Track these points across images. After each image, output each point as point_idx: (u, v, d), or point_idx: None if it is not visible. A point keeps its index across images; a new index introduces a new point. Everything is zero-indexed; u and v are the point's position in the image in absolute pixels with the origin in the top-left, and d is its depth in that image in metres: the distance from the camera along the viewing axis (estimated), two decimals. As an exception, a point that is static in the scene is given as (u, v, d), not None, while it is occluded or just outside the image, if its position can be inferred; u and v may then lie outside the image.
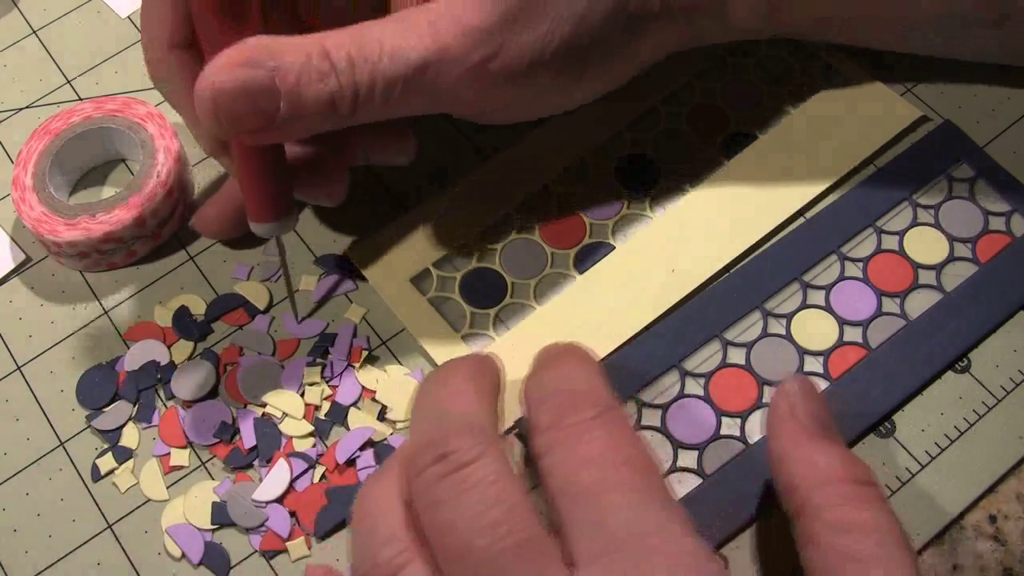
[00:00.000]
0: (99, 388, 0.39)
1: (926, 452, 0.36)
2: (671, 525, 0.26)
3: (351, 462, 0.37)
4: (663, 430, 0.37)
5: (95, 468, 0.38)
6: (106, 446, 0.38)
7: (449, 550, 0.26)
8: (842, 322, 0.38)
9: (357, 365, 0.39)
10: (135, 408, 0.39)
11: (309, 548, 0.36)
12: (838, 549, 0.27)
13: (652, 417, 0.37)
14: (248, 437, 0.38)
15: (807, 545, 0.29)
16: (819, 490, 0.29)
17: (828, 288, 0.39)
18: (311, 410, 0.38)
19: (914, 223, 0.40)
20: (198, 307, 0.41)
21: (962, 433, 0.36)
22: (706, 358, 0.38)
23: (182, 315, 0.40)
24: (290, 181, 0.36)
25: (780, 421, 0.31)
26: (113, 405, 0.39)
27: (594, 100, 0.39)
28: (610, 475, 0.26)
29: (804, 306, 0.39)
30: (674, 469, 0.36)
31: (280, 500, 0.36)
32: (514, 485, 0.26)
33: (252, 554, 0.36)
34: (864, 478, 0.29)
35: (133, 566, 0.36)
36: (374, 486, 0.29)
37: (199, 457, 0.38)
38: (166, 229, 0.42)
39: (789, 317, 0.39)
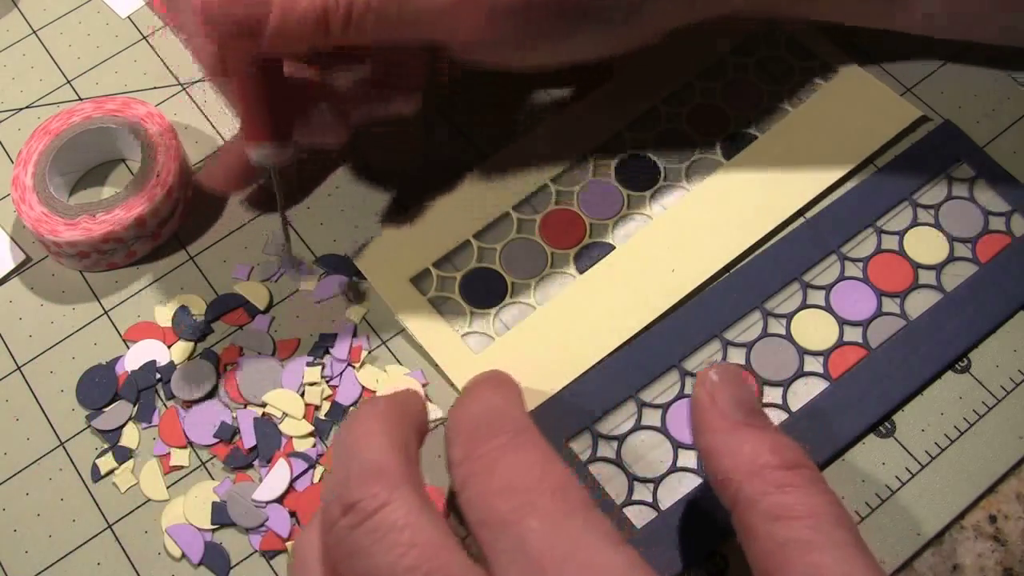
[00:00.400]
0: (99, 388, 0.39)
1: (926, 452, 0.36)
2: (592, 541, 0.25)
3: (351, 462, 0.37)
4: (663, 430, 0.37)
5: (95, 468, 0.38)
6: (106, 446, 0.38)
7: None
8: (842, 322, 0.38)
9: (357, 365, 0.39)
10: (135, 408, 0.39)
11: (309, 548, 0.36)
12: (775, 538, 0.27)
13: (652, 417, 0.37)
14: (248, 437, 0.38)
15: (746, 537, 0.28)
16: (749, 480, 0.28)
17: (828, 288, 0.39)
18: (311, 410, 0.38)
19: (914, 223, 0.40)
20: (198, 307, 0.41)
21: (962, 433, 0.36)
22: (706, 358, 0.38)
23: (182, 315, 0.40)
24: (289, 109, 0.36)
25: (702, 413, 0.30)
26: (113, 405, 0.39)
27: (580, 65, 0.38)
28: (525, 501, 0.26)
29: (804, 306, 0.39)
30: (674, 469, 0.36)
31: (280, 500, 0.36)
32: (429, 524, 0.26)
33: (252, 554, 0.36)
34: (793, 461, 0.28)
35: (133, 566, 0.36)
36: (303, 540, 0.29)
37: (199, 457, 0.38)
38: (166, 229, 0.42)
39: (789, 317, 0.39)
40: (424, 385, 0.38)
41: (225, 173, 0.40)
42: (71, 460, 0.38)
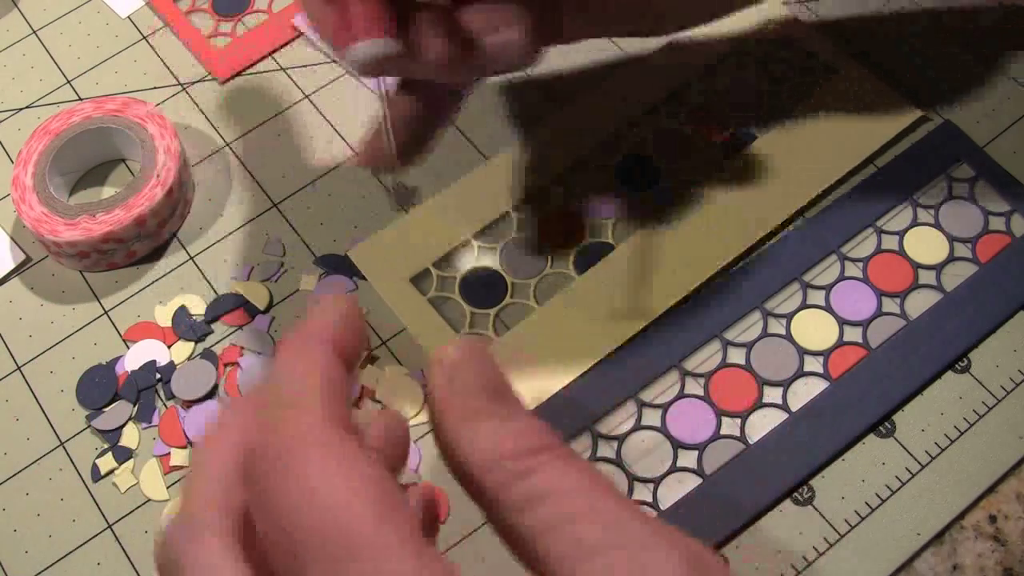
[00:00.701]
0: (99, 388, 0.39)
1: (926, 452, 0.36)
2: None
3: (351, 462, 0.37)
4: (663, 430, 0.37)
5: (95, 468, 0.38)
6: (106, 446, 0.38)
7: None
8: (842, 322, 0.38)
9: (357, 365, 0.39)
10: (135, 408, 0.39)
11: (309, 548, 0.36)
12: (532, 528, 0.23)
13: (652, 417, 0.37)
14: (248, 437, 0.38)
15: (507, 542, 0.24)
16: (488, 474, 0.24)
17: (828, 288, 0.39)
18: (311, 410, 0.38)
19: (914, 223, 0.40)
20: (198, 307, 0.41)
21: (962, 433, 0.36)
22: (706, 358, 0.38)
23: (182, 315, 0.40)
24: (391, 4, 0.29)
25: (439, 400, 0.25)
26: (113, 405, 0.39)
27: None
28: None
29: (804, 306, 0.39)
30: (674, 469, 0.36)
31: (280, 500, 0.36)
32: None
33: (252, 554, 0.36)
34: (538, 446, 0.25)
35: (133, 566, 0.36)
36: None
37: (199, 457, 0.38)
38: (166, 229, 0.42)
39: (789, 317, 0.39)
40: (424, 385, 0.38)
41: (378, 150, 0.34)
42: (71, 460, 0.38)
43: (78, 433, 0.39)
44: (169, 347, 0.40)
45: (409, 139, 0.33)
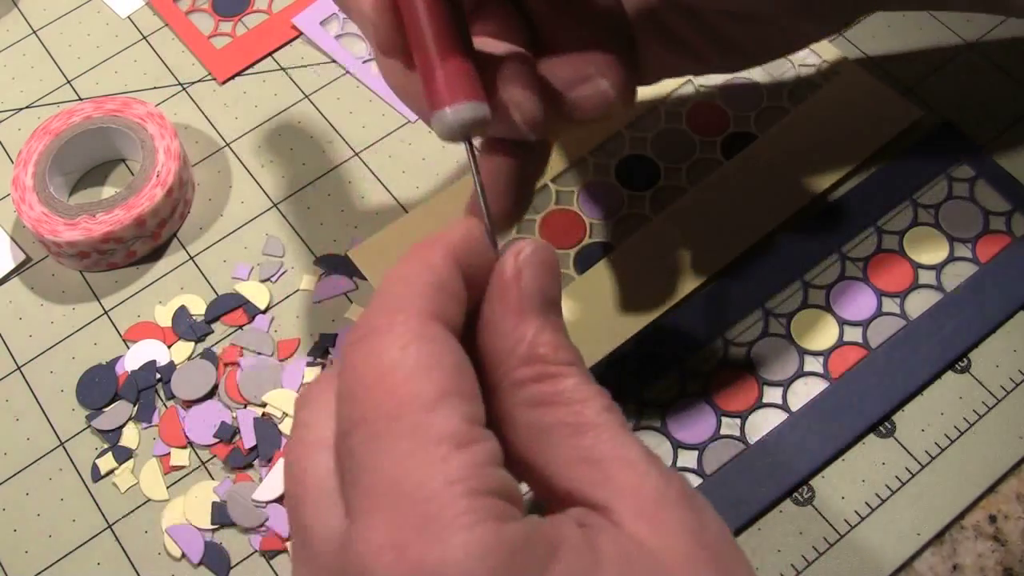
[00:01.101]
0: (99, 388, 0.39)
1: (926, 452, 0.36)
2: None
3: (351, 462, 0.37)
4: (663, 430, 0.37)
5: (95, 468, 0.38)
6: (106, 446, 0.38)
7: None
8: (842, 322, 0.38)
9: (357, 365, 0.39)
10: (135, 408, 0.39)
11: (309, 548, 0.36)
12: (539, 424, 0.25)
13: (652, 417, 0.37)
14: (248, 437, 0.38)
15: (502, 427, 0.25)
16: (519, 369, 0.26)
17: (828, 288, 0.39)
18: (311, 410, 0.38)
19: (914, 223, 0.40)
20: (198, 307, 0.41)
21: (962, 433, 0.36)
22: (706, 358, 0.38)
23: (182, 315, 0.40)
24: (475, 64, 0.28)
25: (501, 285, 0.26)
26: (113, 405, 0.39)
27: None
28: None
29: (804, 306, 0.39)
30: (674, 469, 0.36)
31: (280, 500, 0.36)
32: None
33: (252, 554, 0.36)
34: (568, 360, 0.26)
35: (133, 566, 0.36)
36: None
37: (199, 457, 0.38)
38: (166, 229, 0.42)
39: (789, 317, 0.39)
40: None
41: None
42: (71, 460, 0.38)
43: (78, 433, 0.39)
44: (169, 347, 0.40)
45: (510, 198, 0.32)
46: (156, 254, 0.42)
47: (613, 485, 0.24)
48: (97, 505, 0.37)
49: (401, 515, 0.21)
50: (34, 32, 0.49)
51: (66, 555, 0.36)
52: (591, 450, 0.24)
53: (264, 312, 0.40)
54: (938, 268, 0.39)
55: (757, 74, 0.44)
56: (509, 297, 0.26)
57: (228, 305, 0.41)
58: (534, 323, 0.26)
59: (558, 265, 0.27)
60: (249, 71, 0.47)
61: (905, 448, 0.36)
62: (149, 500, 0.37)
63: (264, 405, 0.38)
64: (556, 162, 0.42)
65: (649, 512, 0.23)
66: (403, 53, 0.28)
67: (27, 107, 0.47)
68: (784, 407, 0.37)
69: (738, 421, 0.37)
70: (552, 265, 0.27)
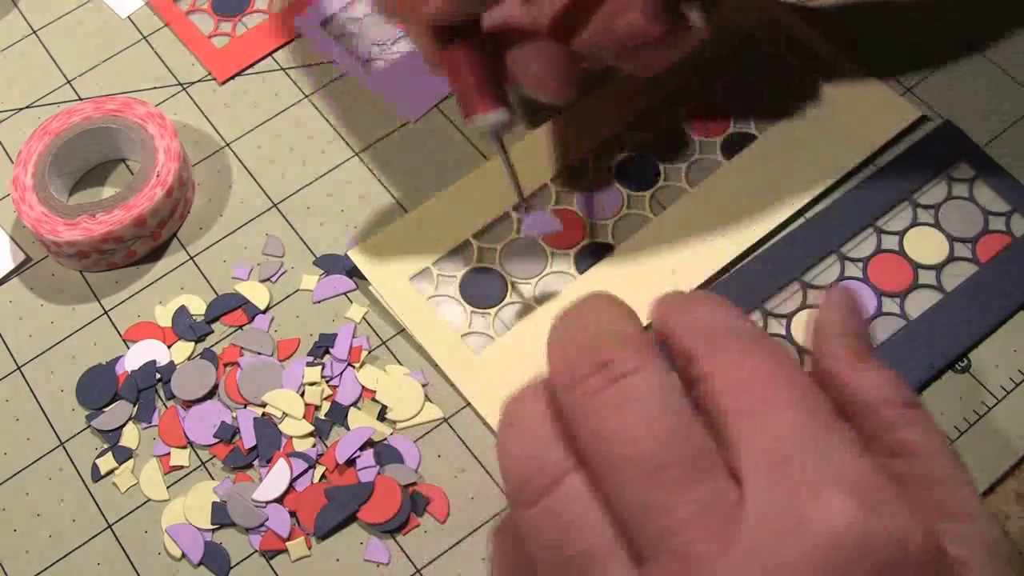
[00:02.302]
0: (99, 388, 0.39)
1: (926, 452, 0.36)
2: (839, 439, 0.25)
3: (351, 462, 0.37)
4: (663, 430, 0.37)
5: (95, 468, 0.38)
6: (106, 446, 0.38)
7: (613, 459, 0.25)
8: (842, 322, 0.38)
9: (357, 365, 0.39)
10: (135, 408, 0.39)
11: (309, 548, 0.36)
12: (896, 474, 0.26)
13: (652, 417, 0.37)
14: (248, 437, 0.38)
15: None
16: (873, 416, 0.28)
17: (828, 288, 0.39)
18: (311, 410, 0.38)
19: (914, 223, 0.40)
20: (198, 307, 0.41)
21: (962, 433, 0.36)
22: (706, 358, 0.38)
23: (182, 315, 0.40)
24: (500, 74, 0.35)
25: (827, 338, 0.29)
26: (113, 405, 0.39)
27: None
28: (773, 395, 0.26)
29: (804, 306, 0.39)
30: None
31: (280, 500, 0.36)
32: (679, 396, 0.25)
33: (252, 554, 0.36)
34: (912, 400, 0.28)
35: (133, 566, 0.36)
36: (519, 405, 0.29)
37: (199, 457, 0.38)
38: (166, 229, 0.42)
39: (789, 317, 0.39)
40: (424, 385, 0.38)
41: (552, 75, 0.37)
42: (71, 460, 0.38)
43: (78, 433, 0.39)
44: (169, 347, 0.40)
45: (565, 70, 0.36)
46: (156, 254, 0.42)
47: (973, 544, 0.25)
48: (97, 505, 0.37)
49: None
50: (34, 32, 0.49)
51: (66, 555, 0.36)
52: (941, 506, 0.26)
53: (264, 312, 0.40)
54: (938, 268, 0.39)
55: (757, 74, 0.44)
56: (839, 350, 0.29)
57: (228, 305, 0.41)
58: (871, 368, 0.28)
59: (860, 303, 0.30)
60: (249, 71, 0.47)
61: (905, 448, 0.36)
62: (149, 500, 0.37)
63: (264, 405, 0.38)
64: (556, 162, 0.42)
65: (990, 565, 0.25)
66: (442, 71, 0.36)
67: (27, 107, 0.47)
68: (784, 407, 0.37)
69: (738, 421, 0.37)
70: (859, 309, 0.30)
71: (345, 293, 0.41)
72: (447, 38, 0.35)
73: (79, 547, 0.37)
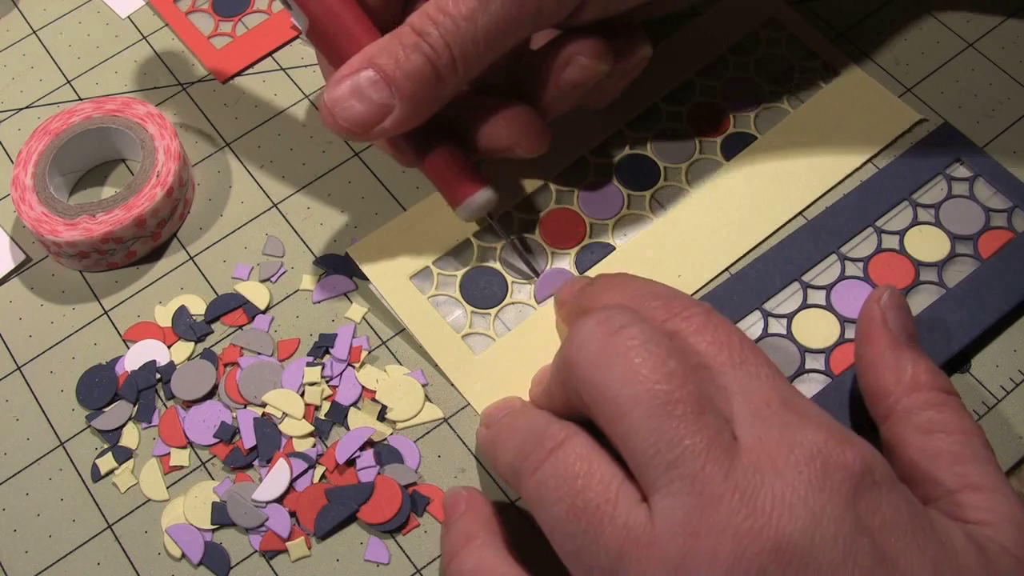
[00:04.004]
0: (99, 388, 0.39)
1: (926, 452, 0.36)
2: (799, 393, 0.29)
3: (351, 462, 0.37)
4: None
5: (95, 468, 0.38)
6: (106, 446, 0.38)
7: (623, 402, 0.27)
8: (843, 320, 0.38)
9: (357, 365, 0.39)
10: (135, 408, 0.39)
11: (309, 548, 0.36)
12: (927, 449, 0.30)
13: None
14: (248, 437, 0.38)
15: (896, 447, 0.31)
16: (908, 395, 0.31)
17: (828, 288, 0.39)
18: (311, 410, 0.38)
19: (914, 222, 0.40)
20: (198, 307, 0.41)
21: (962, 433, 0.36)
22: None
23: (182, 315, 0.40)
24: (472, 159, 0.37)
25: (872, 328, 0.33)
26: (113, 405, 0.39)
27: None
28: (749, 353, 0.29)
29: (804, 306, 0.39)
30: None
31: (280, 500, 0.36)
32: (671, 348, 0.28)
33: (252, 554, 0.36)
34: (948, 387, 0.32)
35: (133, 566, 0.36)
36: (505, 403, 0.35)
37: (199, 457, 0.38)
38: (166, 229, 0.42)
39: (790, 317, 0.39)
40: (424, 385, 0.38)
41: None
42: (71, 460, 0.38)
43: (78, 433, 0.39)
44: (169, 347, 0.40)
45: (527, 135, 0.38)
46: (156, 254, 0.42)
47: (994, 511, 0.28)
48: (97, 505, 0.37)
49: None
50: (34, 32, 0.49)
51: (66, 555, 0.36)
52: (966, 478, 0.29)
53: (264, 312, 0.40)
54: (939, 265, 0.39)
55: (757, 74, 0.44)
56: (883, 337, 0.33)
57: (228, 305, 0.41)
58: (910, 355, 0.32)
59: (906, 303, 0.34)
60: (249, 71, 0.47)
61: (905, 448, 0.36)
62: (149, 500, 0.37)
63: (264, 405, 0.38)
64: (556, 161, 0.42)
65: (1009, 529, 0.28)
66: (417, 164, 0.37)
67: (27, 107, 0.47)
68: (784, 407, 0.37)
69: (738, 421, 0.37)
70: (905, 304, 0.34)
71: (345, 293, 0.41)
72: (414, 139, 0.36)
73: (79, 547, 0.37)
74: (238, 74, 0.47)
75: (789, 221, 0.41)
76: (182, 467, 0.38)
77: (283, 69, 0.47)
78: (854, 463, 0.26)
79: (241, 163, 0.44)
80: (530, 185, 0.42)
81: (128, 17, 0.49)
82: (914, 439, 0.31)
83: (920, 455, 0.30)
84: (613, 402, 0.27)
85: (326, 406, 0.38)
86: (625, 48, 0.37)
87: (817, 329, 0.38)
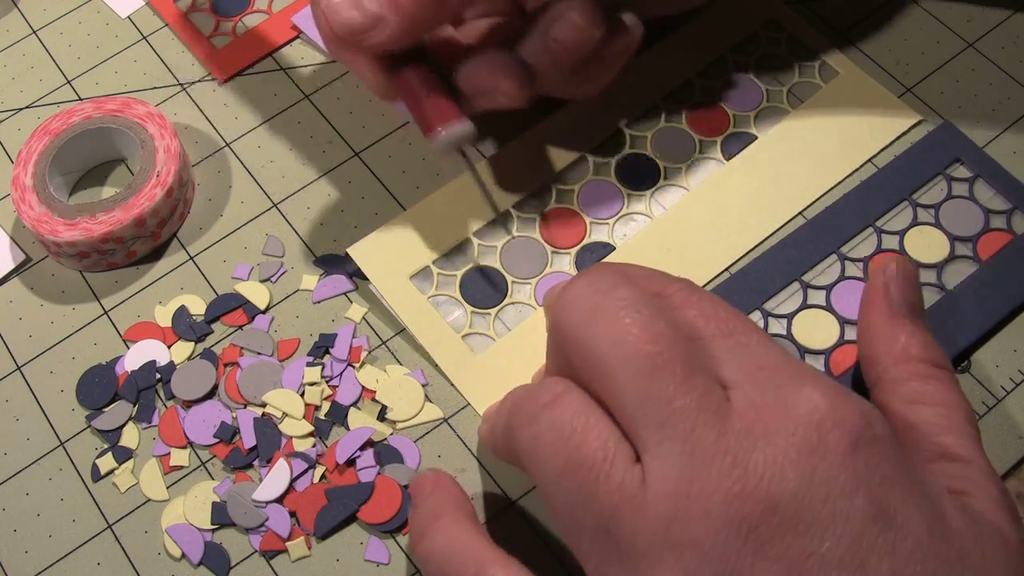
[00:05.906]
0: (99, 388, 0.39)
1: (926, 452, 0.36)
2: (789, 355, 0.29)
3: (351, 462, 0.37)
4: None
5: (95, 468, 0.38)
6: (106, 446, 0.38)
7: (614, 363, 0.27)
8: (843, 321, 0.38)
9: (357, 365, 0.39)
10: (135, 408, 0.39)
11: (309, 548, 0.36)
12: (908, 418, 0.30)
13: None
14: (248, 437, 0.38)
15: (876, 399, 0.31)
16: (896, 365, 0.32)
17: (828, 288, 0.39)
18: (311, 410, 0.38)
19: (914, 223, 0.40)
20: (198, 307, 0.41)
21: (962, 433, 0.36)
22: (706, 358, 0.38)
23: (182, 315, 0.40)
24: (451, 93, 0.37)
25: (873, 295, 0.34)
26: (113, 405, 0.39)
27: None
28: (738, 322, 0.29)
29: (804, 306, 0.39)
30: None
31: (280, 500, 0.36)
32: (660, 309, 0.28)
33: (252, 554, 0.36)
34: (939, 361, 0.32)
35: (133, 566, 0.36)
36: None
37: (199, 457, 0.38)
38: (166, 229, 0.42)
39: (790, 318, 0.39)
40: (424, 385, 0.38)
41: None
42: (71, 460, 0.38)
43: (78, 433, 0.39)
44: (169, 347, 0.40)
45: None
46: (156, 254, 0.42)
47: (970, 481, 0.28)
48: (97, 505, 0.37)
49: None
50: (34, 32, 0.49)
51: (66, 555, 0.36)
52: (946, 449, 0.29)
53: (264, 312, 0.40)
54: (939, 267, 0.39)
55: (757, 74, 0.44)
56: (881, 306, 0.33)
57: (228, 305, 0.41)
58: (905, 326, 0.33)
59: (918, 277, 0.34)
60: (249, 71, 0.47)
61: (905, 448, 0.36)
62: (149, 500, 0.37)
63: (264, 405, 0.38)
64: (556, 161, 0.42)
65: (999, 509, 0.28)
66: (396, 98, 0.37)
67: (27, 107, 0.47)
68: (784, 407, 0.37)
69: (738, 421, 0.37)
70: (913, 277, 0.34)
71: (345, 293, 0.41)
72: (396, 65, 0.36)
73: (79, 547, 0.37)
74: (238, 74, 0.47)
75: (789, 221, 0.41)
76: (182, 467, 0.38)
77: (283, 69, 0.47)
78: (852, 419, 0.26)
79: (241, 163, 0.44)
80: (530, 184, 0.42)
81: (128, 17, 0.49)
82: (897, 407, 0.31)
83: (901, 424, 0.30)
84: (603, 362, 0.27)
85: (326, 406, 0.38)
86: (619, 25, 0.37)
87: (817, 330, 0.38)
